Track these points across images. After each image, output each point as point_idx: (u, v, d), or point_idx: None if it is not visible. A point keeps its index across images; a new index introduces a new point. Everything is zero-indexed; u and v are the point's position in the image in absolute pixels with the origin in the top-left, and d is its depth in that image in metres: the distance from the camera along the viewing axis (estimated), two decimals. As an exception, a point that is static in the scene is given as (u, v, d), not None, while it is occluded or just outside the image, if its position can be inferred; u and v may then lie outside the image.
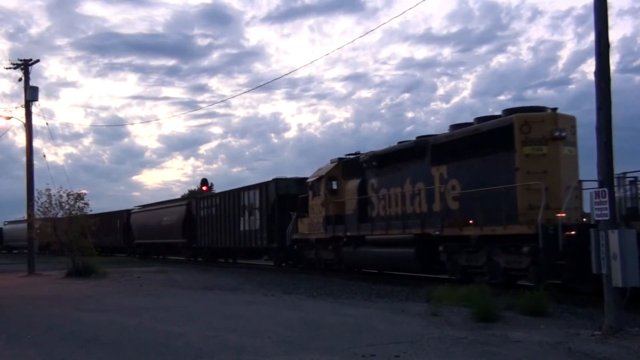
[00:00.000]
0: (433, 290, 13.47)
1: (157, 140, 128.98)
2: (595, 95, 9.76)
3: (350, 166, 22.75)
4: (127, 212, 49.09)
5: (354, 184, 21.97)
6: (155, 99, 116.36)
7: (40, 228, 27.77)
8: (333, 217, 22.38)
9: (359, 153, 22.77)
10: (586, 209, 14.61)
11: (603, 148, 9.51)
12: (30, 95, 29.43)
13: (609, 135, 9.56)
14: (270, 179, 29.31)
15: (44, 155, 40.20)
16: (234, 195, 32.19)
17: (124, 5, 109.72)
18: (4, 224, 70.09)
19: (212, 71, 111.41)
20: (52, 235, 26.75)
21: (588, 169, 13.70)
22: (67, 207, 26.22)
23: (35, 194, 27.71)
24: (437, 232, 16.90)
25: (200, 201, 37.01)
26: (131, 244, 47.00)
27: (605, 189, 9.31)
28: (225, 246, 33.40)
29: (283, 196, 27.42)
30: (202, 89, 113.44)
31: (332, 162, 23.93)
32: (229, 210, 32.44)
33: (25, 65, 29.72)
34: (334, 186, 23.20)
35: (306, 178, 26.05)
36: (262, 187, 29.24)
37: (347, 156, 23.40)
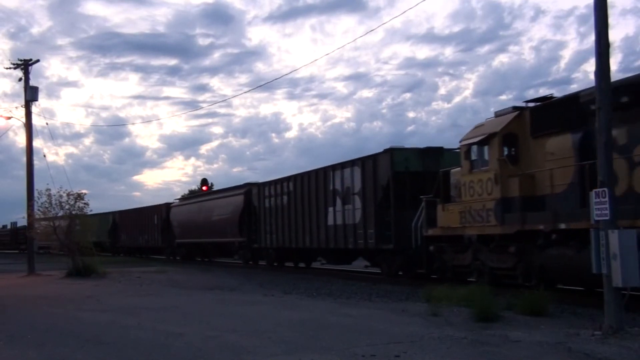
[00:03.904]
0: (433, 290, 13.42)
1: (157, 140, 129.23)
2: (595, 95, 9.76)
3: (550, 115, 13.75)
4: (167, 206, 41.20)
5: (563, 143, 13.00)
6: (156, 98, 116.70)
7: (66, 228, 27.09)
8: (518, 199, 13.95)
9: (551, 96, 14.37)
10: None
11: (603, 148, 9.52)
12: (30, 95, 29.48)
13: (609, 135, 9.57)
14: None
15: (44, 155, 40.25)
16: (319, 177, 23.79)
17: (126, 4, 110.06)
18: None
19: (213, 71, 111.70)
20: (52, 235, 26.79)
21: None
22: (67, 207, 26.25)
23: (36, 194, 27.78)
24: None
25: (265, 188, 28.58)
26: (171, 244, 39.43)
27: (605, 189, 9.31)
28: (303, 246, 25.11)
29: (401, 174, 19.20)
30: (203, 88, 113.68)
31: (497, 114, 15.22)
32: (310, 198, 24.25)
33: (25, 65, 29.78)
34: (514, 150, 14.52)
35: (432, 148, 19.54)
36: (365, 162, 20.74)
37: (529, 103, 14.64)
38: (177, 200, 42.53)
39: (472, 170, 15.42)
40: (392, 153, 19.50)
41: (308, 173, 24.87)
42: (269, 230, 27.87)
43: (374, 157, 20.37)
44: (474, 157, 15.44)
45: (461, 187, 15.79)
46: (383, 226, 19.60)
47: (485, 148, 15.04)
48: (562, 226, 12.47)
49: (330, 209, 22.63)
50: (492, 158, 14.75)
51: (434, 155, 19.28)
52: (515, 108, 14.75)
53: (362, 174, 20.74)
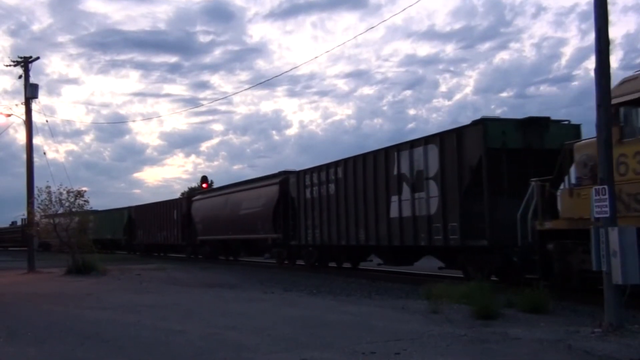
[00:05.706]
0: (433, 287, 13.43)
1: (158, 137, 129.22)
2: (595, 92, 9.74)
3: None
4: (188, 200, 38.29)
5: None
6: (157, 95, 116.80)
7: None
8: None
9: None
10: None
11: (603, 145, 9.52)
12: (30, 92, 29.43)
13: (609, 133, 9.57)
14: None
15: (45, 153, 40.33)
16: (378, 160, 19.57)
17: (126, 1, 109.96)
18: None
19: (214, 68, 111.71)
20: (52, 232, 26.82)
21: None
22: (67, 204, 26.26)
23: (36, 191, 27.77)
24: None
25: (306, 176, 24.27)
26: (192, 241, 36.22)
27: (606, 186, 9.31)
28: (356, 244, 21.06)
29: (497, 152, 15.21)
30: (203, 85, 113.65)
31: None
32: (366, 186, 20.07)
33: (25, 63, 29.74)
34: None
35: (536, 119, 15.63)
36: (445, 139, 16.70)
37: None
38: (199, 195, 38.57)
39: (624, 140, 11.08)
40: (485, 125, 15.37)
41: (363, 156, 20.58)
42: (310, 225, 23.75)
43: (458, 132, 16.23)
44: (625, 122, 11.19)
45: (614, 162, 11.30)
46: (471, 218, 15.53)
47: None
48: None
49: (394, 198, 18.49)
50: None
51: (537, 128, 15.48)
52: None
53: (441, 153, 16.63)
